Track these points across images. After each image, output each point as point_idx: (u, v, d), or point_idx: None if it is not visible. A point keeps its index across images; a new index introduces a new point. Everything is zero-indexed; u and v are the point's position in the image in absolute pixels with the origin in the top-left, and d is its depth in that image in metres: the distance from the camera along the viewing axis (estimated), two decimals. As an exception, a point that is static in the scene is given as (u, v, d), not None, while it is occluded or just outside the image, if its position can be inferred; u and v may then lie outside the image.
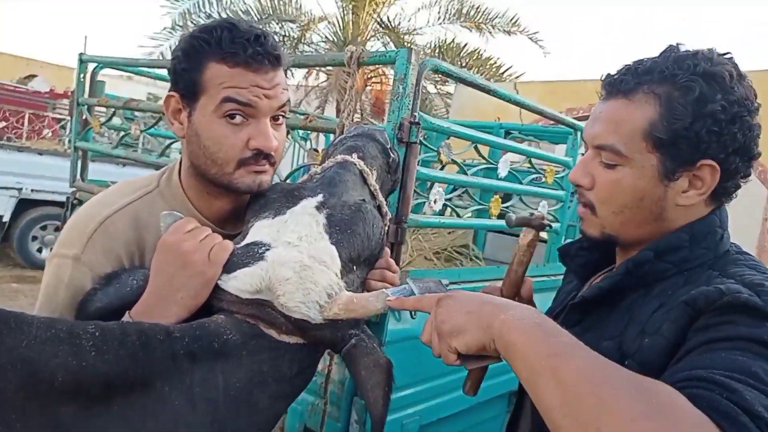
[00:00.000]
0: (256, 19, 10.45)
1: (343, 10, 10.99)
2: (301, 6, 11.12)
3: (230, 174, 1.09)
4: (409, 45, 10.92)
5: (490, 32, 11.25)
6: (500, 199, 2.22)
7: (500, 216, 2.35)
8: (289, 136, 2.25)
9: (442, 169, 2.01)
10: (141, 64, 3.04)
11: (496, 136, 3.87)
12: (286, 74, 1.14)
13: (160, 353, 0.85)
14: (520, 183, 2.36)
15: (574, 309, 1.08)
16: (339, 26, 11.19)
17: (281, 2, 10.86)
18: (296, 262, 0.94)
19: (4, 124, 10.46)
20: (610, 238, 1.04)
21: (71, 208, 3.24)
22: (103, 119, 3.31)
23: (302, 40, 11.08)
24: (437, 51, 11.31)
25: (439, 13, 11.24)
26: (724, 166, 0.93)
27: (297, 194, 1.07)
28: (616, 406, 0.62)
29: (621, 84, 0.99)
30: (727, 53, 0.97)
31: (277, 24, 10.87)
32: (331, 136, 1.79)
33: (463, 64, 11.21)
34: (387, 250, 1.22)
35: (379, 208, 1.19)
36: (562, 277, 2.45)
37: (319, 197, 1.05)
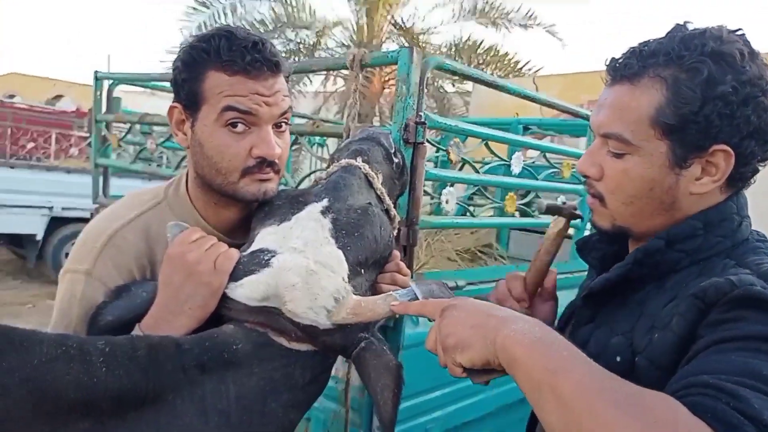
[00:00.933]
0: (270, 27, 10.55)
1: (357, 14, 11.01)
2: (315, 12, 11.19)
3: (235, 183, 1.09)
4: (424, 45, 10.89)
5: (507, 27, 11.13)
6: (515, 197, 2.18)
7: (523, 213, 2.31)
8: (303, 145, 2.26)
9: (461, 168, 1.98)
10: (153, 78, 3.09)
11: (515, 132, 3.82)
12: (287, 81, 1.14)
13: (170, 366, 0.85)
14: (536, 179, 2.31)
15: (585, 304, 1.06)
16: (353, 30, 11.22)
17: (295, 9, 10.94)
18: (302, 267, 0.94)
19: (32, 144, 10.77)
20: (621, 230, 1.01)
21: (95, 225, 3.31)
22: (122, 135, 3.37)
23: (318, 46, 11.14)
24: (453, 49, 11.24)
25: (453, 10, 11.18)
26: (738, 150, 0.89)
27: (302, 200, 1.07)
28: (612, 424, 0.61)
29: (625, 68, 0.94)
30: (739, 30, 0.92)
31: (292, 31, 10.95)
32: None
33: (480, 62, 11.11)
34: (397, 252, 1.21)
35: (387, 211, 1.18)
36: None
37: (324, 202, 1.04)
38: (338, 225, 1.01)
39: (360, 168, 1.14)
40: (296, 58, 10.36)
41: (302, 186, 1.92)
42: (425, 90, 1.53)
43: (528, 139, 2.85)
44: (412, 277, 1.35)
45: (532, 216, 2.41)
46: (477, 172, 1.92)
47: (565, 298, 1.23)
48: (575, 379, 0.67)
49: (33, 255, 7.28)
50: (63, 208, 7.21)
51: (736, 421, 0.60)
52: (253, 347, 0.94)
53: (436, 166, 3.46)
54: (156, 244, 1.12)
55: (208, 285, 0.96)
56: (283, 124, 1.12)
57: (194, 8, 10.72)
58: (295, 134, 1.91)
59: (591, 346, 0.97)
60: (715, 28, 0.91)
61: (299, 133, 1.99)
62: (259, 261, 0.96)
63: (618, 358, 0.90)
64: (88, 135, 11.73)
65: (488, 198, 2.32)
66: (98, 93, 3.23)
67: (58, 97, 21.75)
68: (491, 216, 3.38)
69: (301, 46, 11.11)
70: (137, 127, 3.07)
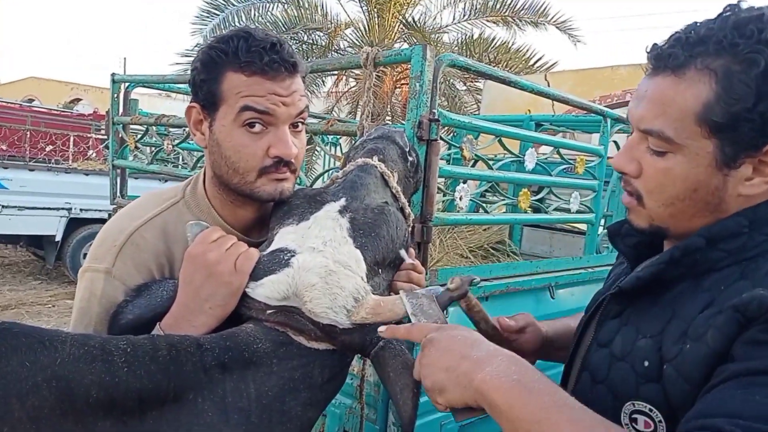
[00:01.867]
0: (283, 29, 10.60)
1: (369, 14, 11.02)
2: (327, 14, 11.23)
3: (252, 183, 1.10)
4: (434, 43, 10.87)
5: (518, 25, 11.08)
6: (529, 193, 2.18)
7: (535, 210, 2.31)
8: (317, 144, 2.27)
9: (473, 165, 1.98)
10: (168, 80, 3.13)
11: (527, 129, 3.80)
12: (304, 81, 1.15)
13: (191, 366, 0.86)
14: (550, 175, 2.31)
15: (613, 299, 1.00)
16: (365, 31, 11.23)
17: (307, 11, 10.98)
18: (322, 267, 0.95)
19: (51, 147, 10.94)
20: (659, 230, 0.93)
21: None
22: (138, 137, 3.42)
23: (330, 48, 11.17)
24: (464, 47, 11.21)
25: (464, 9, 11.16)
26: None
27: (319, 199, 1.07)
28: None
29: (669, 58, 0.84)
30: None
31: (305, 33, 11.00)
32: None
33: (492, 59, 11.07)
34: (412, 250, 1.22)
35: (402, 209, 1.18)
36: (600, 268, 2.40)
37: (342, 201, 1.05)
38: (356, 224, 1.02)
39: (376, 167, 1.15)
40: (309, 59, 10.40)
41: (316, 185, 1.94)
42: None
43: (540, 135, 2.84)
44: (426, 274, 1.36)
45: (546, 212, 2.41)
46: (491, 168, 1.92)
47: (581, 293, 1.21)
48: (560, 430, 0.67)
49: (52, 255, 7.39)
50: (81, 210, 7.32)
51: None
52: (273, 346, 0.94)
53: (447, 164, 3.46)
54: (174, 242, 1.14)
55: (228, 285, 0.97)
56: (299, 124, 1.13)
57: (208, 11, 10.81)
58: (309, 133, 1.92)
59: (616, 345, 0.92)
60: None
61: (313, 132, 2.00)
62: (279, 261, 0.97)
63: (646, 363, 0.84)
64: (105, 137, 11.90)
65: (501, 194, 2.32)
66: (115, 95, 3.28)
67: (76, 100, 22.05)
68: (503, 212, 3.37)
69: (313, 47, 11.15)
70: (153, 129, 3.11)
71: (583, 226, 3.67)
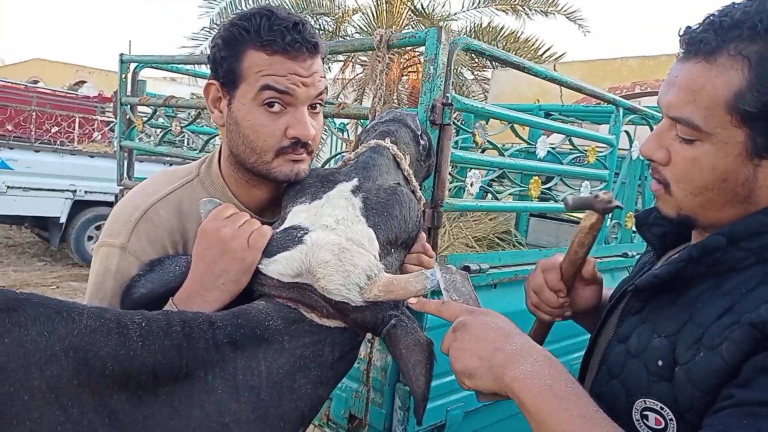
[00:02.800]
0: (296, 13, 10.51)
1: (377, 0, 10.93)
2: (335, -2, 11.14)
3: (269, 163, 1.10)
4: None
5: (527, 14, 10.98)
6: (540, 181, 2.17)
7: (542, 198, 2.30)
8: (326, 127, 2.26)
9: (483, 152, 1.96)
10: (178, 61, 3.12)
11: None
12: (323, 62, 1.14)
13: (203, 343, 0.87)
14: (560, 163, 2.29)
15: (635, 295, 0.99)
16: (373, 16, 11.15)
17: (316, -4, 10.90)
18: (335, 245, 0.95)
19: (56, 129, 10.94)
20: (687, 220, 0.91)
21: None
22: (146, 119, 3.41)
23: (337, 33, 11.09)
24: (473, 35, 11.12)
25: (474, -5, 11.05)
26: None
27: (332, 179, 1.07)
28: None
29: (700, 44, 0.81)
30: None
31: (312, 18, 10.91)
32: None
33: (500, 48, 10.98)
34: (423, 234, 1.21)
35: (413, 193, 1.18)
36: (608, 259, 2.39)
37: (354, 181, 1.05)
38: (368, 204, 1.02)
39: (389, 149, 1.14)
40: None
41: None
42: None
43: (553, 122, 2.82)
44: (436, 260, 1.36)
45: (556, 201, 2.40)
46: (502, 155, 1.91)
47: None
48: None
49: (56, 237, 7.41)
50: (86, 192, 7.33)
51: None
52: (285, 323, 0.95)
53: (456, 151, 3.45)
54: (188, 220, 1.14)
55: (241, 261, 0.98)
56: (317, 105, 1.12)
57: (215, -6, 10.73)
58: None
59: (632, 342, 0.92)
60: None
61: (324, 115, 1.99)
62: (292, 238, 0.97)
63: (660, 362, 0.84)
64: (110, 120, 11.89)
65: (510, 182, 2.31)
66: (123, 76, 3.26)
67: (81, 82, 22.02)
68: (510, 200, 3.36)
69: (321, 32, 11.08)
70: (160, 110, 3.10)
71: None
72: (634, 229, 2.93)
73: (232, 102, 1.09)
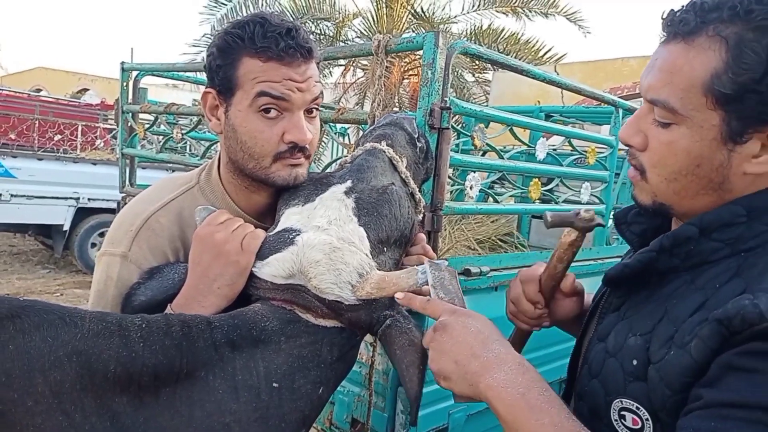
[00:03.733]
0: (291, 19, 10.53)
1: (377, 4, 10.96)
2: (335, 3, 11.17)
3: (267, 168, 1.10)
4: (443, 33, 10.79)
5: (527, 16, 10.99)
6: (540, 183, 2.17)
7: (543, 201, 2.30)
8: (326, 133, 2.27)
9: (483, 155, 1.97)
10: (178, 69, 3.13)
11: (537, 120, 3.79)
12: (318, 67, 1.15)
13: (202, 343, 0.88)
14: (560, 165, 2.30)
15: (613, 292, 0.98)
16: (373, 21, 11.18)
17: (316, 1, 10.93)
18: (326, 244, 0.96)
19: (59, 137, 10.99)
20: (662, 208, 0.89)
21: (121, 214, 3.38)
22: (147, 126, 3.43)
23: (338, 38, 11.13)
24: (473, 38, 11.14)
25: (474, -1, 11.07)
26: None
27: (326, 182, 1.09)
28: None
29: (681, 24, 0.80)
30: None
31: (313, 23, 10.95)
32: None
33: (501, 49, 11.00)
34: (423, 236, 1.22)
35: (411, 195, 1.19)
36: (610, 260, 2.39)
37: (348, 183, 1.06)
38: (361, 204, 1.03)
39: (384, 151, 1.15)
40: (319, 48, 10.37)
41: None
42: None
43: (552, 124, 2.82)
44: (436, 262, 1.36)
45: (557, 203, 2.40)
46: (502, 158, 1.91)
47: (589, 285, 1.19)
48: None
49: (60, 245, 7.44)
50: (89, 199, 7.36)
51: None
52: (281, 324, 0.95)
53: (456, 154, 3.46)
54: (188, 227, 1.14)
55: (235, 264, 0.99)
56: (314, 110, 1.13)
57: (216, 1, 10.77)
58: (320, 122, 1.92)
59: (610, 340, 0.91)
60: None
61: (323, 120, 2.00)
62: (284, 240, 0.98)
63: (635, 362, 0.84)
64: (113, 127, 11.95)
65: (511, 185, 2.31)
66: (125, 84, 3.28)
67: (83, 90, 22.12)
68: (510, 203, 3.36)
69: (321, 37, 11.11)
70: (162, 117, 3.12)
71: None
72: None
73: (229, 109, 1.10)
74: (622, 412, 0.85)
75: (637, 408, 0.82)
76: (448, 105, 1.51)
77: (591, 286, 1.22)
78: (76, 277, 7.48)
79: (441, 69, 1.47)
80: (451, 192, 3.40)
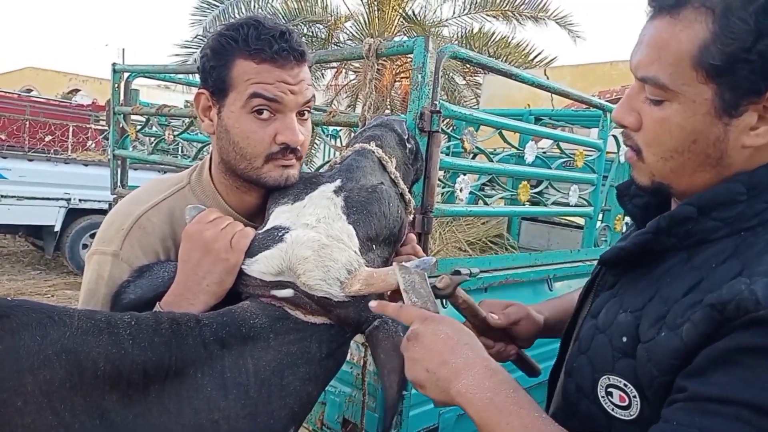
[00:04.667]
0: (283, 21, 10.51)
1: (369, 7, 11.00)
2: (327, 6, 11.20)
3: (259, 168, 1.12)
4: (435, 37, 10.84)
5: (518, 20, 11.07)
6: (529, 186, 2.20)
7: (532, 203, 2.33)
8: (319, 136, 2.29)
9: (474, 157, 1.99)
10: (170, 71, 3.14)
11: (526, 123, 3.82)
12: (311, 70, 1.17)
13: (191, 341, 0.89)
14: (549, 168, 2.33)
15: (608, 270, 0.97)
16: (365, 24, 11.21)
17: (308, 4, 10.95)
18: (315, 241, 0.97)
19: (50, 137, 10.91)
20: (661, 187, 0.87)
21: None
22: (139, 127, 3.42)
23: (330, 40, 11.15)
24: (464, 41, 11.19)
25: (464, 3, 11.13)
26: None
27: (315, 181, 1.10)
28: None
29: None
30: None
31: (305, 25, 10.96)
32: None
33: (491, 53, 11.06)
34: (413, 237, 1.23)
35: (401, 195, 1.20)
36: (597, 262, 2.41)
37: (337, 182, 1.08)
38: (350, 203, 1.04)
39: (373, 152, 1.17)
40: (311, 51, 10.38)
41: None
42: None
43: (540, 128, 2.85)
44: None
45: (545, 205, 2.43)
46: (491, 161, 1.93)
47: (581, 285, 1.22)
48: None
49: (51, 246, 7.38)
50: (80, 200, 7.31)
51: None
52: (270, 321, 0.96)
53: (447, 157, 3.48)
54: (179, 227, 1.15)
55: (224, 261, 1.00)
56: (306, 112, 1.15)
57: (208, 3, 10.76)
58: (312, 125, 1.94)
59: (601, 317, 0.90)
60: None
61: (315, 123, 2.02)
62: (273, 237, 0.99)
63: (624, 339, 0.83)
64: (104, 128, 11.88)
65: (501, 187, 2.34)
66: (116, 85, 3.28)
67: (74, 91, 21.97)
68: (500, 205, 3.38)
69: (313, 39, 11.12)
70: (154, 119, 3.12)
71: (580, 221, 3.69)
72: (623, 231, 2.96)
73: (222, 110, 1.11)
74: (609, 389, 0.84)
75: (625, 385, 0.82)
76: (438, 108, 1.53)
77: (581, 288, 1.25)
78: (67, 279, 7.43)
79: (431, 73, 1.49)
80: (442, 194, 3.41)
